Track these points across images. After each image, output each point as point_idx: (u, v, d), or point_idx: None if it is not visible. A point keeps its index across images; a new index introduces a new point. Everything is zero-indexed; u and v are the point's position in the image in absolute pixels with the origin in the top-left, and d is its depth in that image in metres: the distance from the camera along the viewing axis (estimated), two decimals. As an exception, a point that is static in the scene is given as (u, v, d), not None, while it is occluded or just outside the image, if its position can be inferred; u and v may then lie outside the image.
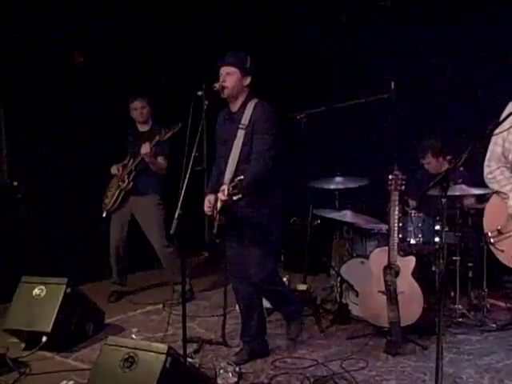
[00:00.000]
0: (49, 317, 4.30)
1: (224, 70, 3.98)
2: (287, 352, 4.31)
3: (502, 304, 5.10)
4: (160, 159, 5.41)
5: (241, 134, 3.94)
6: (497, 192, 3.59)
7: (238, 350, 4.24)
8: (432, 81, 5.94)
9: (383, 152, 5.54)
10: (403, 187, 4.43)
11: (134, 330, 4.42)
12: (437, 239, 4.67)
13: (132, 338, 4.23)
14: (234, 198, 3.66)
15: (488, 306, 4.93)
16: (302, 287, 5.09)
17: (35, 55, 5.71)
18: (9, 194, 5.68)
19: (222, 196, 3.75)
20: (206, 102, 3.82)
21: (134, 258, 5.87)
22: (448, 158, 5.12)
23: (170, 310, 4.48)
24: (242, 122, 3.96)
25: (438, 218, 4.67)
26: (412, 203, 5.20)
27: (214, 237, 4.01)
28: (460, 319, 4.73)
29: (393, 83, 5.03)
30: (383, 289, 4.36)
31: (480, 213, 4.84)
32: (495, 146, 3.52)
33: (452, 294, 4.85)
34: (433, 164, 5.25)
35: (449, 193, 4.47)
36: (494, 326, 4.64)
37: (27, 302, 4.43)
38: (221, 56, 4.02)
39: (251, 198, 3.88)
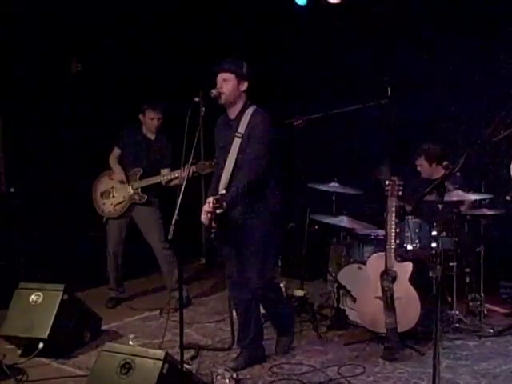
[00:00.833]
0: (46, 323, 4.29)
1: (221, 76, 3.99)
2: (284, 358, 4.30)
3: (499, 309, 5.11)
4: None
5: (237, 142, 3.96)
6: None
7: (235, 355, 4.24)
8: (430, 86, 5.96)
9: (380, 158, 5.55)
10: (400, 193, 4.45)
11: (131, 336, 4.41)
12: (434, 245, 4.68)
13: (129, 344, 4.21)
14: (217, 211, 3.71)
15: (485, 311, 4.92)
16: (300, 293, 5.09)
17: (32, 63, 5.72)
18: (6, 201, 5.68)
19: (206, 207, 3.79)
20: (203, 109, 3.83)
21: (132, 264, 5.88)
22: (444, 163, 5.13)
23: (167, 316, 4.47)
24: (239, 130, 3.98)
25: (434, 224, 4.67)
26: (409, 209, 5.20)
27: (213, 240, 4.02)
28: (457, 325, 4.72)
29: (389, 89, 5.05)
30: (380, 294, 4.37)
31: (477, 218, 4.90)
32: None
33: (449, 299, 4.85)
34: (425, 168, 5.22)
35: (445, 198, 4.53)
36: (491, 331, 4.64)
37: (24, 308, 4.43)
38: (218, 62, 4.04)
39: (249, 205, 3.90)
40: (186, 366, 3.68)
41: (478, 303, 4.90)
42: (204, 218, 3.93)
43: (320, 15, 6.43)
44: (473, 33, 5.65)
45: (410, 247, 4.75)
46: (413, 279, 4.40)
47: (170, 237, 3.49)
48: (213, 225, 3.88)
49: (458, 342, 4.49)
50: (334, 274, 5.18)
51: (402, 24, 6.04)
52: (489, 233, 4.95)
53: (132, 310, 5.52)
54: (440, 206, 3.09)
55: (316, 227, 6.19)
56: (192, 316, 5.30)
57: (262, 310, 4.50)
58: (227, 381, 3.67)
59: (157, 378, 3.08)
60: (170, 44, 6.65)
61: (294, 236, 6.29)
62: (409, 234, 4.75)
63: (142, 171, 5.50)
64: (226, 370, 3.82)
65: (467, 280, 4.93)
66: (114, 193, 5.58)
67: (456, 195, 4.69)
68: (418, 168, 5.28)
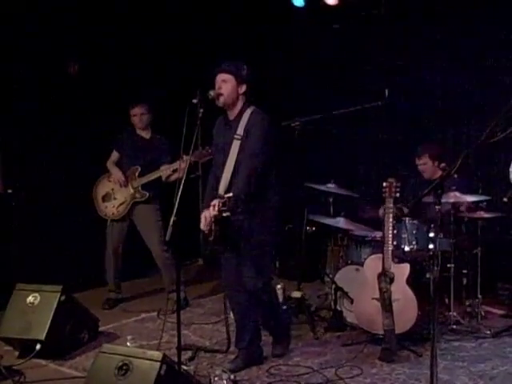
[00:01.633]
0: (43, 324, 4.29)
1: (220, 77, 4.00)
2: (282, 359, 4.30)
3: (497, 311, 5.13)
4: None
5: (236, 144, 3.96)
6: None
7: (233, 357, 4.24)
8: (428, 88, 5.97)
9: (378, 159, 5.57)
10: (398, 194, 4.45)
11: (129, 337, 4.41)
12: (431, 246, 4.68)
13: (127, 346, 4.22)
14: (224, 214, 3.69)
15: (482, 312, 4.93)
16: (297, 294, 5.10)
17: (31, 64, 5.71)
18: (3, 202, 5.67)
19: (212, 211, 3.76)
20: (201, 110, 3.83)
21: (129, 265, 5.87)
22: (442, 165, 5.14)
23: (164, 317, 4.47)
24: (238, 131, 3.98)
25: (432, 225, 4.68)
26: (406, 210, 5.21)
27: (213, 244, 4.02)
28: (454, 326, 4.73)
29: (387, 91, 5.06)
30: (378, 296, 4.37)
31: (474, 220, 4.91)
32: None
33: (446, 301, 4.85)
34: (428, 166, 5.19)
35: (443, 200, 4.54)
36: (488, 332, 4.64)
37: (21, 309, 4.42)
38: (218, 63, 4.04)
39: (247, 206, 3.89)
40: (183, 367, 3.68)
41: (476, 305, 4.90)
42: (204, 223, 3.91)
43: (318, 16, 6.44)
44: (471, 32, 5.67)
45: (407, 248, 4.76)
46: (410, 281, 4.41)
47: (167, 238, 3.51)
48: (213, 228, 3.89)
49: (456, 344, 4.50)
50: (331, 276, 5.18)
51: (399, 24, 6.06)
52: (486, 234, 4.95)
53: (129, 311, 5.51)
54: (438, 208, 3.09)
55: (313, 228, 6.21)
56: (189, 317, 5.29)
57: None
58: (225, 382, 3.67)
59: (154, 379, 3.08)
60: (168, 45, 6.64)
61: (292, 237, 6.30)
62: (406, 236, 4.76)
63: (139, 169, 5.50)
64: (223, 371, 3.82)
65: (464, 282, 4.94)
66: (115, 194, 5.57)
67: (453, 197, 4.69)
68: (420, 168, 5.24)
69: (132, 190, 5.51)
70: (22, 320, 4.36)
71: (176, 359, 3.41)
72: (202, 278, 6.68)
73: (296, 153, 5.23)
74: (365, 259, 4.75)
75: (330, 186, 5.39)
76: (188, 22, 6.64)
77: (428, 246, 4.70)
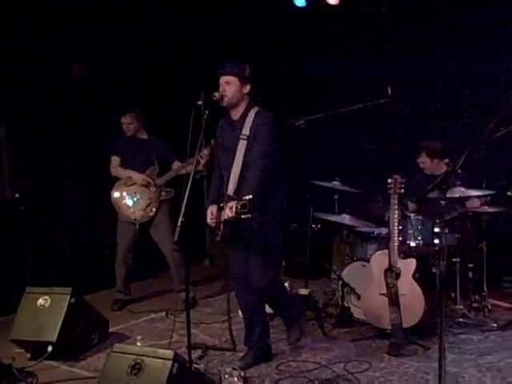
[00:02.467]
0: (54, 326, 4.33)
1: (223, 79, 4.03)
2: (291, 356, 4.35)
3: (503, 304, 5.16)
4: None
5: (242, 144, 3.99)
6: None
7: (242, 355, 4.28)
8: (430, 85, 6.00)
9: (381, 156, 5.61)
10: (402, 190, 4.49)
11: (139, 337, 4.44)
12: (436, 241, 4.71)
13: (137, 346, 4.25)
14: (243, 216, 3.66)
15: (489, 306, 4.97)
16: (304, 292, 5.12)
17: (36, 68, 5.75)
18: (11, 206, 5.73)
19: (229, 213, 3.74)
20: (206, 112, 3.86)
21: (137, 266, 5.91)
22: (446, 160, 5.18)
23: (174, 316, 4.51)
24: (243, 132, 4.01)
25: (437, 221, 4.71)
26: (411, 206, 5.25)
27: (219, 243, 4.06)
28: (461, 319, 4.78)
29: (389, 88, 5.09)
30: (385, 291, 4.41)
31: (479, 214, 4.95)
32: None
33: (453, 294, 4.90)
34: (427, 164, 5.29)
35: (448, 195, 4.58)
36: (494, 325, 4.68)
37: (32, 312, 4.47)
38: (221, 65, 4.08)
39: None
40: (194, 365, 3.72)
41: (482, 298, 4.94)
42: (210, 217, 3.97)
43: (319, 16, 6.48)
44: (471, 31, 5.70)
45: (413, 244, 4.79)
46: (416, 275, 4.45)
47: (175, 238, 3.54)
48: (221, 228, 3.92)
49: (463, 337, 4.54)
50: (337, 272, 5.22)
51: (400, 23, 6.09)
52: (491, 229, 4.99)
53: (138, 312, 5.55)
54: (442, 203, 3.12)
55: (319, 226, 6.26)
56: (198, 316, 5.34)
57: (268, 309, 4.56)
58: (235, 379, 3.71)
59: (167, 377, 3.12)
60: (172, 46, 6.69)
61: (298, 236, 6.35)
62: (411, 231, 4.80)
63: (158, 168, 5.56)
64: (233, 368, 3.86)
65: (470, 276, 4.98)
66: (139, 197, 5.58)
67: (458, 192, 4.72)
68: (421, 165, 5.34)
69: (156, 189, 5.54)
70: (33, 322, 4.40)
71: (186, 358, 3.46)
72: (209, 278, 6.73)
73: (300, 151, 5.26)
74: (371, 255, 4.80)
75: (335, 184, 5.43)
76: (190, 22, 6.68)
77: (433, 241, 4.74)
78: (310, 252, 5.47)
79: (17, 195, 5.82)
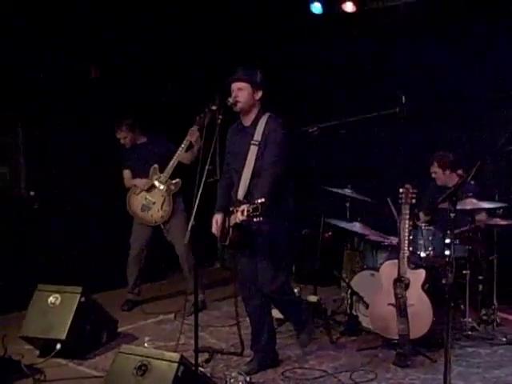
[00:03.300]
0: (63, 324, 4.39)
1: (235, 85, 4.06)
2: (297, 363, 4.36)
3: (512, 318, 5.14)
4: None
5: (254, 149, 4.02)
6: None
7: (248, 359, 4.30)
8: (444, 94, 5.99)
9: (394, 165, 5.60)
10: (414, 201, 4.48)
11: (147, 338, 4.48)
12: (447, 252, 4.68)
13: (144, 347, 4.29)
14: (255, 219, 3.69)
15: (498, 319, 4.94)
16: (313, 299, 5.12)
17: (52, 69, 5.84)
18: (26, 204, 5.80)
19: (241, 216, 3.76)
20: (220, 117, 3.90)
21: (147, 268, 5.95)
22: (459, 171, 5.16)
23: (182, 319, 4.54)
24: (255, 137, 4.03)
25: (448, 232, 4.69)
26: (422, 217, 5.24)
27: (227, 249, 4.09)
28: (470, 332, 4.75)
29: (403, 97, 5.09)
30: (393, 301, 4.40)
31: (490, 227, 4.92)
32: None
33: (462, 307, 4.87)
34: (439, 175, 5.27)
35: (459, 206, 4.55)
36: (503, 339, 4.66)
37: (42, 309, 4.52)
38: (233, 71, 4.11)
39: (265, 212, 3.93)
40: (200, 368, 3.75)
41: (491, 311, 4.92)
42: (215, 227, 4.02)
43: (335, 24, 6.50)
44: (489, 41, 5.69)
45: (423, 254, 4.79)
46: (426, 286, 4.44)
47: (186, 241, 3.58)
48: (230, 232, 3.95)
49: (470, 350, 4.52)
50: (347, 280, 5.22)
51: (415, 31, 6.10)
52: (502, 241, 4.96)
53: (147, 313, 5.60)
54: (452, 215, 3.12)
55: (330, 233, 6.26)
56: (206, 320, 5.36)
57: (276, 315, 4.57)
58: (240, 383, 3.73)
59: (172, 379, 3.15)
60: (185, 52, 6.77)
61: (309, 242, 6.35)
62: (422, 242, 4.79)
63: (157, 166, 5.60)
64: (239, 373, 3.89)
65: (480, 288, 4.95)
66: (152, 200, 5.62)
67: (470, 203, 4.71)
68: (433, 175, 5.33)
69: (164, 186, 5.59)
70: (43, 320, 4.46)
71: (193, 361, 3.49)
72: (219, 281, 6.74)
73: (313, 158, 5.27)
74: (381, 264, 4.79)
75: (347, 191, 5.44)
76: (205, 28, 6.73)
77: (444, 252, 4.71)
78: (320, 259, 5.48)
79: (32, 193, 5.89)
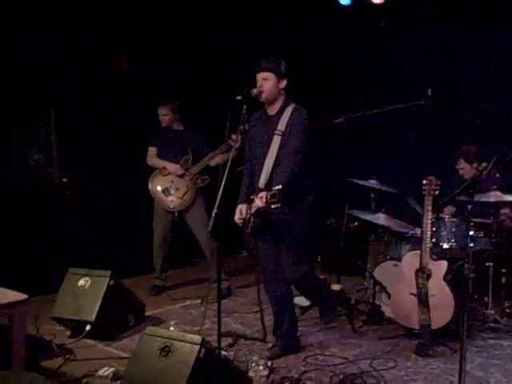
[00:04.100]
0: (93, 307, 4.54)
1: (260, 75, 4.13)
2: (319, 349, 4.44)
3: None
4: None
5: (277, 139, 4.09)
6: None
7: (271, 345, 4.40)
8: (470, 86, 5.97)
9: (420, 157, 5.60)
10: (437, 192, 4.50)
11: (172, 322, 4.60)
12: (471, 244, 4.70)
13: (169, 330, 4.41)
14: (272, 206, 3.77)
15: (521, 312, 4.94)
16: (336, 287, 5.20)
17: (84, 60, 6.00)
18: (59, 191, 5.98)
19: (259, 203, 3.87)
20: (245, 107, 3.98)
21: (175, 254, 6.09)
22: (483, 165, 5.14)
23: (206, 304, 4.65)
24: (279, 127, 4.10)
25: (471, 224, 4.71)
26: (447, 209, 5.25)
27: (249, 236, 4.18)
28: (492, 324, 4.76)
29: (429, 90, 5.09)
30: (415, 291, 4.45)
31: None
32: None
33: (485, 299, 4.88)
34: (467, 170, 5.26)
35: (484, 199, 4.58)
36: (526, 332, 4.67)
37: (73, 292, 4.69)
38: (258, 62, 4.18)
39: (285, 201, 3.99)
40: (223, 352, 3.85)
41: (514, 304, 4.92)
42: (239, 216, 4.09)
43: (363, 15, 6.50)
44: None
45: (446, 246, 4.81)
46: (448, 278, 4.47)
47: (209, 228, 3.67)
48: (252, 220, 4.03)
49: (492, 342, 4.54)
50: (370, 270, 5.27)
51: (445, 23, 6.07)
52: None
53: (174, 299, 5.72)
54: (469, 207, 3.15)
55: (356, 223, 6.30)
56: (232, 306, 5.47)
57: (298, 302, 4.67)
58: (261, 367, 3.82)
59: (193, 361, 3.25)
60: (215, 45, 6.85)
61: (334, 232, 6.41)
62: (445, 233, 4.81)
63: (191, 157, 5.72)
64: (260, 357, 3.98)
65: (503, 281, 4.94)
66: (176, 186, 5.74)
67: (494, 196, 4.71)
68: (461, 172, 5.31)
69: (192, 177, 5.71)
70: (73, 302, 4.62)
71: (217, 345, 3.60)
72: (246, 268, 6.84)
73: (338, 149, 5.32)
74: (403, 255, 4.83)
75: (373, 182, 5.47)
76: (233, 18, 6.79)
77: (467, 244, 4.73)
78: (346, 249, 5.53)
79: (64, 180, 6.06)
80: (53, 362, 4.17)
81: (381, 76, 6.43)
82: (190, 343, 3.31)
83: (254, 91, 4.06)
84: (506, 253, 4.95)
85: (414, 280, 4.47)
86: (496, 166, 4.42)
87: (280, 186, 3.74)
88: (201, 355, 3.26)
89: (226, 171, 3.75)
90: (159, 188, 5.77)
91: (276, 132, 4.10)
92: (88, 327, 4.48)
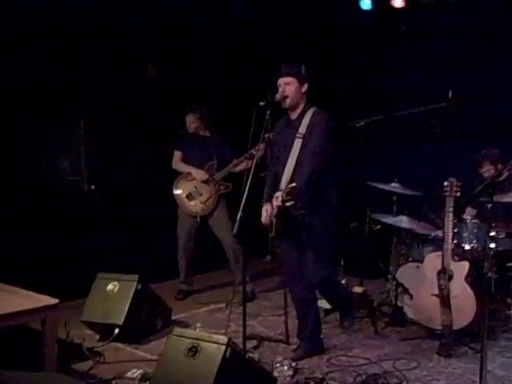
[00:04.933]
0: (121, 310, 4.65)
1: (282, 80, 4.23)
2: (342, 351, 4.50)
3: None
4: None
5: (298, 142, 4.18)
6: None
7: (295, 347, 4.47)
8: (489, 89, 5.99)
9: (441, 159, 5.64)
10: (458, 194, 4.54)
11: (198, 325, 4.68)
12: (492, 245, 4.73)
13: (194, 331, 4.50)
14: (287, 204, 3.89)
15: (544, 312, 4.95)
16: (359, 290, 5.26)
17: (111, 68, 6.15)
18: (87, 197, 6.13)
19: (275, 202, 3.99)
20: (268, 112, 4.07)
21: (200, 259, 6.19)
22: (499, 167, 5.18)
23: (230, 307, 4.74)
24: (300, 130, 4.20)
25: (493, 224, 4.74)
26: (469, 211, 5.28)
27: (274, 239, 4.26)
28: (514, 325, 4.79)
29: (450, 92, 5.14)
30: (437, 292, 4.49)
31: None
32: None
33: (508, 300, 4.90)
34: (492, 172, 5.28)
35: (505, 200, 4.60)
36: (548, 332, 4.68)
37: (102, 296, 4.81)
38: (279, 68, 4.27)
39: (307, 202, 4.10)
40: (248, 353, 3.94)
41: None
42: (265, 216, 4.16)
43: (385, 19, 6.57)
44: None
45: (467, 247, 4.84)
46: (470, 278, 4.50)
47: (234, 232, 3.75)
48: (274, 221, 4.12)
49: (515, 342, 4.57)
50: (393, 272, 5.32)
51: (465, 25, 6.11)
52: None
53: (200, 303, 5.82)
54: (489, 206, 3.21)
55: (378, 226, 6.34)
56: (256, 309, 5.55)
57: (322, 305, 4.74)
58: (285, 368, 3.90)
59: (220, 360, 3.34)
60: (238, 54, 6.98)
61: (357, 235, 6.45)
62: (466, 234, 4.84)
63: (216, 163, 5.84)
64: (285, 358, 4.06)
65: (526, 281, 4.96)
66: (200, 191, 5.85)
67: (513, 196, 4.73)
68: (486, 174, 5.30)
69: (215, 184, 5.83)
70: (102, 306, 4.74)
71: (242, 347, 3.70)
72: (269, 272, 6.91)
73: (360, 152, 5.38)
74: (426, 257, 4.87)
75: (395, 186, 5.51)
76: (255, 23, 6.91)
77: (489, 244, 4.76)
78: (368, 251, 5.58)
79: (92, 187, 6.20)
80: (83, 365, 4.28)
81: (403, 79, 6.48)
82: (217, 343, 3.41)
83: (278, 96, 4.15)
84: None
85: (436, 281, 4.51)
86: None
87: (294, 184, 3.85)
88: (227, 355, 3.35)
89: (251, 176, 3.82)
90: (183, 193, 5.88)
91: (298, 135, 4.19)
92: (117, 331, 4.59)
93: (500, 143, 5.39)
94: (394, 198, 5.66)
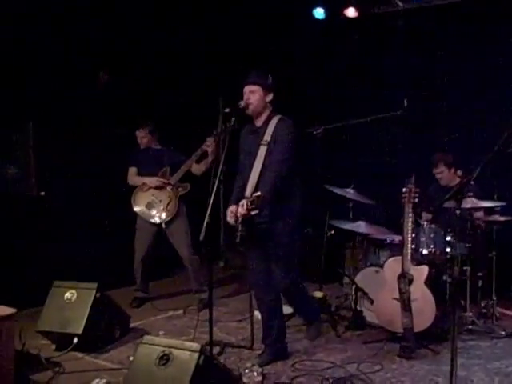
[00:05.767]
0: (80, 319, 4.52)
1: (247, 88, 4.24)
2: (306, 355, 4.52)
3: (511, 312, 5.32)
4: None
5: (263, 149, 4.20)
6: None
7: (258, 353, 4.47)
8: (444, 97, 6.19)
9: (397, 166, 5.77)
10: (416, 200, 4.66)
11: (161, 332, 4.63)
12: (448, 249, 4.89)
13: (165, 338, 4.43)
14: (252, 212, 3.92)
15: (497, 314, 5.12)
16: (319, 295, 5.30)
17: (62, 74, 5.99)
18: (37, 204, 5.94)
19: (241, 210, 3.99)
20: (233, 119, 4.06)
21: (155, 265, 6.09)
22: (458, 172, 5.37)
23: (197, 314, 4.72)
24: (265, 138, 4.21)
25: (449, 230, 4.89)
26: (425, 215, 5.43)
27: (238, 246, 4.25)
28: (470, 326, 4.92)
29: (406, 100, 5.27)
30: (397, 296, 4.59)
31: (489, 224, 5.11)
32: None
33: (462, 302, 5.04)
34: (445, 174, 5.45)
35: (463, 206, 4.72)
36: (502, 333, 4.84)
37: (59, 305, 4.66)
38: (241, 74, 4.29)
39: (271, 209, 4.12)
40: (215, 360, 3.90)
41: (490, 306, 5.10)
42: (230, 216, 4.15)
43: (337, 28, 6.68)
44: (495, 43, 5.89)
45: (425, 252, 4.95)
46: (428, 282, 4.62)
47: (201, 238, 3.72)
48: (240, 228, 4.11)
49: (472, 343, 4.70)
50: (352, 277, 5.39)
51: (416, 36, 6.29)
52: (501, 238, 5.15)
53: (157, 310, 5.72)
54: (458, 212, 3.30)
55: (332, 232, 6.41)
56: (215, 315, 5.40)
57: (285, 310, 4.75)
58: (255, 373, 3.89)
59: (193, 368, 3.30)
60: (194, 59, 6.96)
61: (311, 240, 6.51)
62: (424, 239, 4.96)
63: (168, 169, 5.80)
64: (253, 364, 4.05)
65: (480, 284, 5.14)
66: (159, 198, 5.79)
67: (470, 202, 4.89)
68: (438, 176, 5.48)
69: (173, 187, 5.78)
70: (60, 315, 4.59)
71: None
72: (224, 279, 6.92)
73: (317, 158, 5.45)
74: (384, 262, 4.97)
75: (349, 191, 5.59)
76: (214, 33, 6.90)
77: (445, 249, 4.91)
78: (323, 257, 5.64)
79: (42, 193, 6.03)
80: (42, 376, 4.15)
81: (357, 87, 6.60)
82: (190, 351, 3.37)
83: (242, 103, 4.16)
84: (482, 257, 5.13)
85: (396, 285, 4.61)
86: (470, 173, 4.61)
87: (259, 193, 3.88)
88: (200, 362, 3.31)
89: (216, 183, 3.81)
90: (142, 204, 5.81)
91: (262, 142, 4.21)
92: (75, 340, 4.46)
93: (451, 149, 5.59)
94: (350, 205, 5.76)
